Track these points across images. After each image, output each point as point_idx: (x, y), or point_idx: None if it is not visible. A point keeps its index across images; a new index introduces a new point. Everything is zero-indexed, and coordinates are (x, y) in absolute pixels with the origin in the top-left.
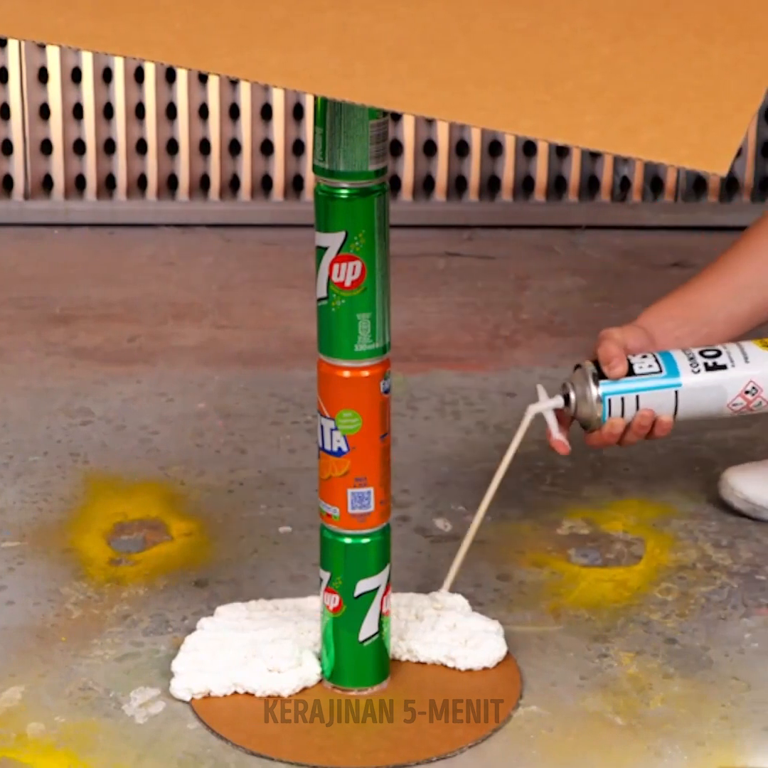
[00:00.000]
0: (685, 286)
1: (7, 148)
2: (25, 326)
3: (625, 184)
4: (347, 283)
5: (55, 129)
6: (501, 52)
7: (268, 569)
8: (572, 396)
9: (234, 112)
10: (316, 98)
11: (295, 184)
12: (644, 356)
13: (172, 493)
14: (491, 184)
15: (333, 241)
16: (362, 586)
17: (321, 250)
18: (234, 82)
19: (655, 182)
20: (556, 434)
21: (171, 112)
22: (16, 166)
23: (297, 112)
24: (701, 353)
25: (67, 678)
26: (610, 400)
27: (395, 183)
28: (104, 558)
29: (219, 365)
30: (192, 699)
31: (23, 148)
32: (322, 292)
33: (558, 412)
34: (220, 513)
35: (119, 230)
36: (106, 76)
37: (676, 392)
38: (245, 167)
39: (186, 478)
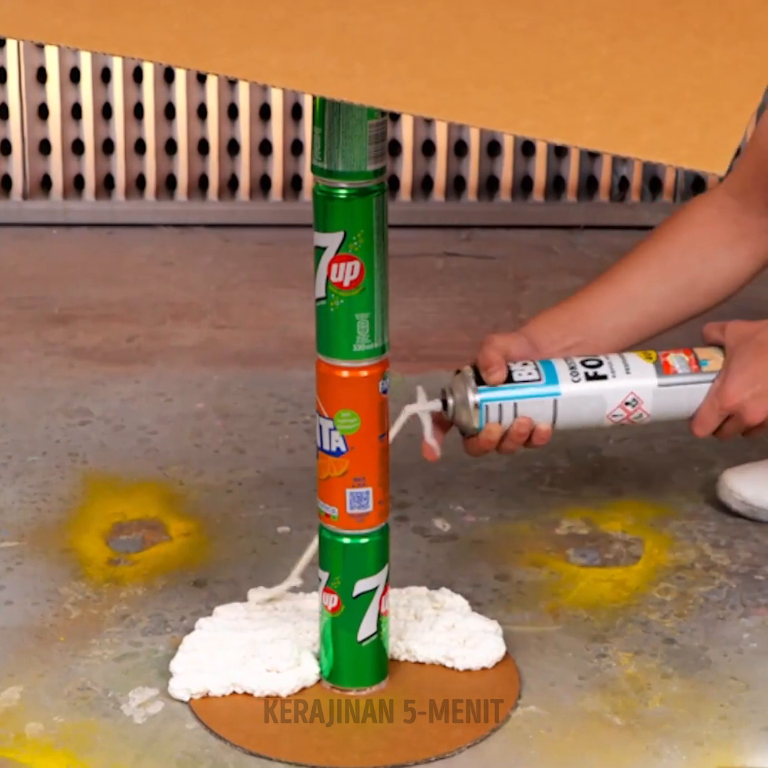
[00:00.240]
0: (575, 295)
1: (6, 148)
2: (24, 326)
3: (623, 184)
4: (346, 283)
5: (54, 129)
6: (500, 52)
7: (266, 569)
8: (450, 401)
9: (232, 112)
10: (314, 98)
11: (294, 184)
12: (525, 364)
13: (171, 493)
14: (490, 184)
15: (331, 241)
16: (361, 586)
17: (319, 250)
18: (232, 82)
19: (653, 182)
20: (429, 438)
21: (169, 112)
22: (14, 166)
23: (295, 112)
24: (583, 363)
25: (65, 678)
26: (487, 407)
27: (394, 183)
28: (103, 558)
29: (218, 365)
30: (190, 699)
31: (22, 148)
32: (320, 292)
33: (437, 417)
34: (219, 513)
35: (118, 230)
36: (105, 76)
37: (555, 401)
38: (244, 167)
39: (185, 478)
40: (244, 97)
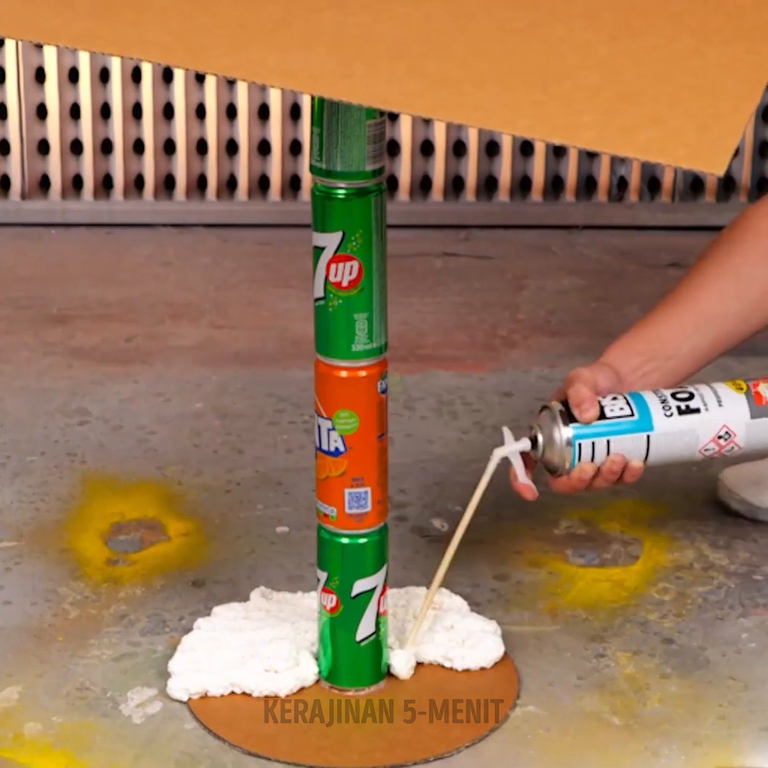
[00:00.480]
0: (648, 317)
1: (5, 148)
2: (23, 326)
3: (622, 184)
4: (344, 283)
5: (53, 129)
6: (498, 52)
7: (265, 569)
8: (540, 439)
9: (231, 112)
10: (313, 98)
11: (293, 184)
12: (615, 398)
13: (170, 493)
14: (488, 184)
15: (330, 241)
16: (359, 586)
17: (318, 250)
18: (231, 82)
19: (652, 182)
20: (523, 478)
21: (168, 112)
22: (13, 166)
23: (294, 112)
24: (673, 396)
25: (64, 678)
26: (580, 445)
27: (392, 183)
28: (101, 558)
29: (216, 365)
30: (189, 699)
31: (20, 148)
32: (319, 292)
33: (524, 455)
34: (218, 513)
35: (116, 230)
36: (104, 76)
37: (648, 436)
38: (242, 167)
39: (183, 478)
40: (242, 97)
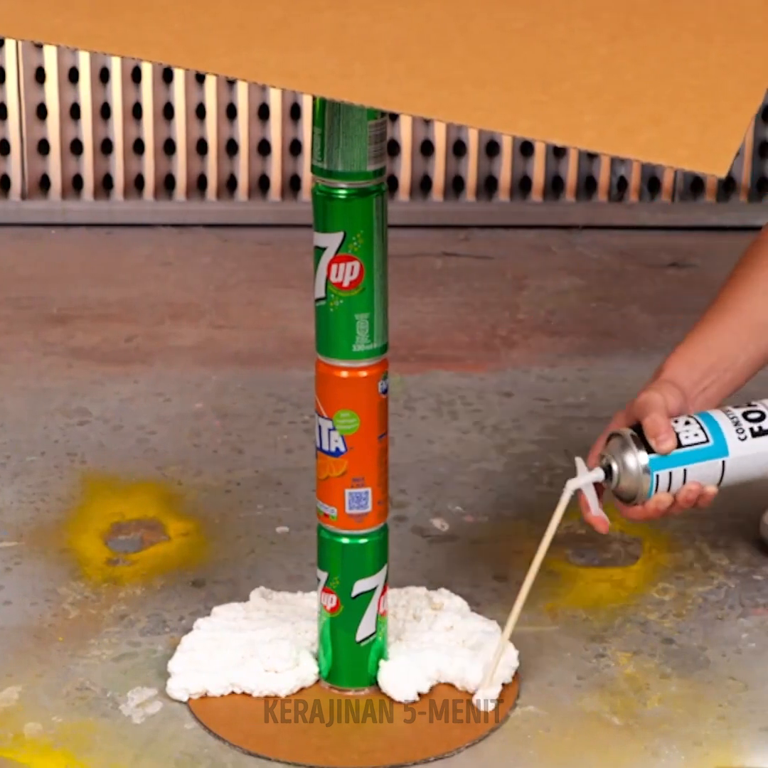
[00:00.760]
0: (699, 329)
1: (4, 148)
2: (23, 326)
3: (622, 184)
4: (345, 284)
5: (52, 129)
6: (499, 52)
7: (265, 569)
8: (615, 469)
9: (231, 112)
10: (314, 98)
11: (293, 184)
12: (688, 423)
13: (170, 493)
14: (488, 184)
15: (331, 241)
16: (360, 586)
17: (319, 251)
18: (231, 82)
19: (652, 182)
20: (596, 510)
21: (168, 112)
22: (13, 166)
23: (294, 112)
24: (745, 416)
25: (64, 678)
26: (657, 476)
27: (392, 183)
28: (101, 558)
29: (216, 365)
30: (189, 699)
31: (20, 148)
32: (320, 292)
33: (596, 485)
34: (218, 513)
35: (116, 230)
36: (103, 76)
37: (724, 462)
38: (242, 167)
39: (183, 478)
40: (242, 97)
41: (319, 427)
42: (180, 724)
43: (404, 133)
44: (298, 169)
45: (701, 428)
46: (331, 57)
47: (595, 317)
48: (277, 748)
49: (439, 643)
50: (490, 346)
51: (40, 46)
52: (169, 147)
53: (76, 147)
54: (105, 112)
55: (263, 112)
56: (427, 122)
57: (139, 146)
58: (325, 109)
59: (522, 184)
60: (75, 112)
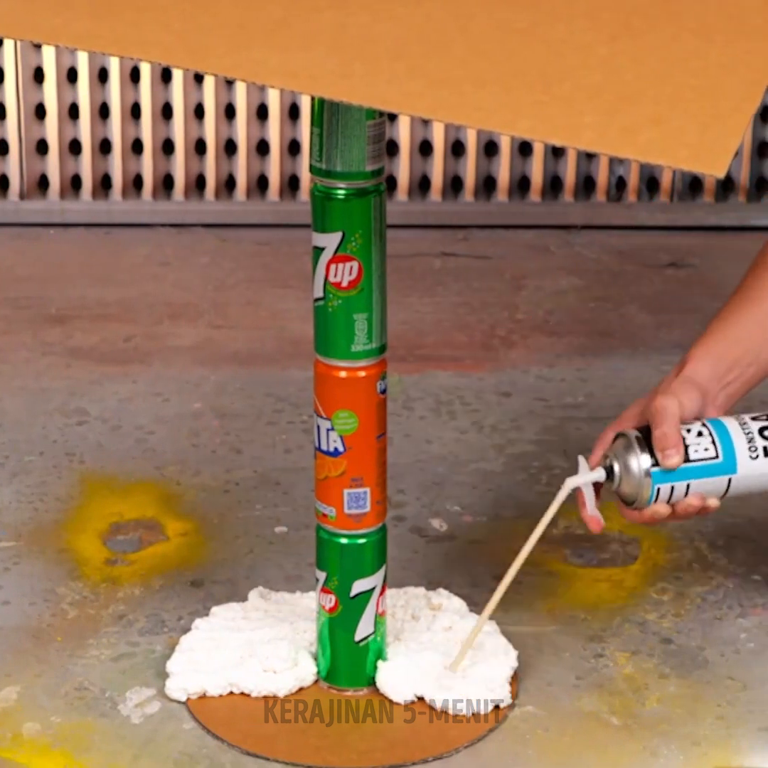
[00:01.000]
0: (722, 321)
1: (3, 148)
2: (21, 326)
3: (621, 184)
4: (344, 284)
5: (51, 129)
6: (499, 52)
7: (263, 569)
8: (616, 470)
9: (230, 112)
10: (313, 98)
11: (291, 184)
12: (700, 434)
13: (168, 493)
14: (487, 184)
15: (330, 241)
16: (358, 586)
17: (318, 251)
18: (230, 82)
19: (651, 182)
20: (592, 510)
21: (167, 112)
22: (11, 166)
23: (293, 112)
24: (761, 433)
25: (62, 678)
26: (659, 488)
27: (391, 183)
28: (100, 558)
29: (215, 365)
30: (188, 699)
31: (19, 148)
32: (318, 292)
33: (595, 484)
34: (216, 513)
35: (115, 230)
36: (102, 76)
37: (730, 479)
38: (241, 167)
39: (182, 478)
40: (241, 97)
41: (318, 427)
42: (178, 724)
43: (403, 133)
44: (297, 169)
45: (713, 442)
46: (331, 57)
47: (594, 317)
48: (276, 748)
49: (438, 644)
50: (489, 346)
51: (38, 46)
52: (168, 147)
53: (75, 147)
54: (103, 112)
55: (262, 112)
56: (426, 122)
57: (137, 146)
58: (323, 109)
59: (521, 184)
60: (73, 112)
